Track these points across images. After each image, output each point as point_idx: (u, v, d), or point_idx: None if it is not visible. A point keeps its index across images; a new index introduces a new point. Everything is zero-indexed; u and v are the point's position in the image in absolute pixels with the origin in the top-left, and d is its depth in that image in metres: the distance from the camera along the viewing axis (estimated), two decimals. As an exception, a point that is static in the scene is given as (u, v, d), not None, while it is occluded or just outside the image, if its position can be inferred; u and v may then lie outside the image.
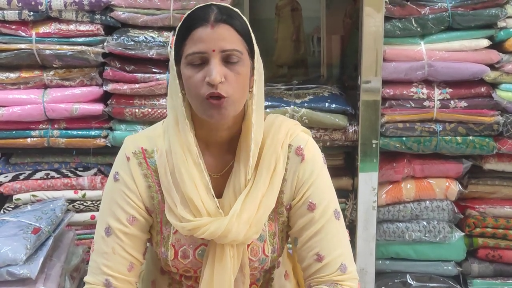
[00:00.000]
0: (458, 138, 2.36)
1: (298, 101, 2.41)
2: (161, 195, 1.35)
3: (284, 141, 1.35)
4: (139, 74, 2.31)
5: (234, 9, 1.29)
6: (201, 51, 1.22)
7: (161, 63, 2.31)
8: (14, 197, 2.45)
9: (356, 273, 1.37)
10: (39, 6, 2.25)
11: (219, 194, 1.34)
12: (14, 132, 2.37)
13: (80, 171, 2.46)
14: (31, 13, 2.26)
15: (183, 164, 1.29)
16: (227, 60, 1.23)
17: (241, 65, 1.25)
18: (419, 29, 2.29)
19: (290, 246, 1.46)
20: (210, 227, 1.27)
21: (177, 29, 1.29)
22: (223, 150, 1.37)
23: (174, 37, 1.30)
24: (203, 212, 1.29)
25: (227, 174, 1.35)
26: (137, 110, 2.34)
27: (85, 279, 1.38)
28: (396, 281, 2.51)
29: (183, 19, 1.28)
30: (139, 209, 1.36)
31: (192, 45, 1.23)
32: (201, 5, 1.28)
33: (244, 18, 1.29)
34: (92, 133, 2.37)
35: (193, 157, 1.30)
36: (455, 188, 2.43)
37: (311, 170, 1.36)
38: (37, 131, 2.37)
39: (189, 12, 1.29)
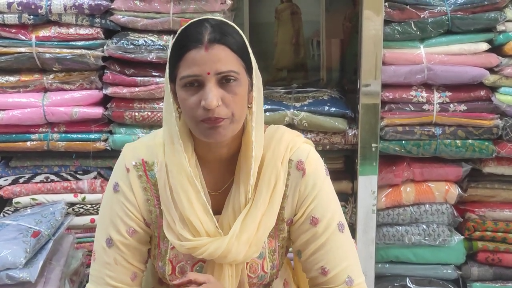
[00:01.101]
0: (458, 141, 2.36)
1: (297, 104, 2.41)
2: (159, 209, 1.33)
3: (285, 156, 1.31)
4: (139, 78, 2.31)
5: (230, 23, 1.23)
6: (195, 74, 1.17)
7: (161, 67, 2.31)
8: (14, 200, 2.44)
9: (365, 284, 1.34)
10: (39, 10, 2.25)
11: (218, 211, 1.31)
12: (14, 135, 2.37)
13: (80, 174, 2.46)
14: (31, 16, 2.27)
15: (180, 183, 1.26)
16: (223, 81, 1.18)
17: (238, 85, 1.20)
18: (418, 32, 2.29)
19: (290, 249, 1.45)
20: (209, 247, 1.24)
21: (170, 46, 1.24)
22: (223, 167, 1.33)
23: (168, 55, 1.25)
24: (202, 232, 1.26)
25: (226, 191, 1.32)
26: (136, 114, 2.35)
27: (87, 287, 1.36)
28: (395, 284, 2.51)
29: (176, 36, 1.23)
30: (139, 221, 1.34)
31: (186, 68, 1.18)
32: (194, 20, 1.23)
33: (241, 32, 1.24)
34: (92, 136, 2.37)
35: (188, 178, 1.26)
36: (454, 191, 2.43)
37: (312, 184, 1.32)
38: (36, 134, 2.37)
39: (182, 28, 1.22)
